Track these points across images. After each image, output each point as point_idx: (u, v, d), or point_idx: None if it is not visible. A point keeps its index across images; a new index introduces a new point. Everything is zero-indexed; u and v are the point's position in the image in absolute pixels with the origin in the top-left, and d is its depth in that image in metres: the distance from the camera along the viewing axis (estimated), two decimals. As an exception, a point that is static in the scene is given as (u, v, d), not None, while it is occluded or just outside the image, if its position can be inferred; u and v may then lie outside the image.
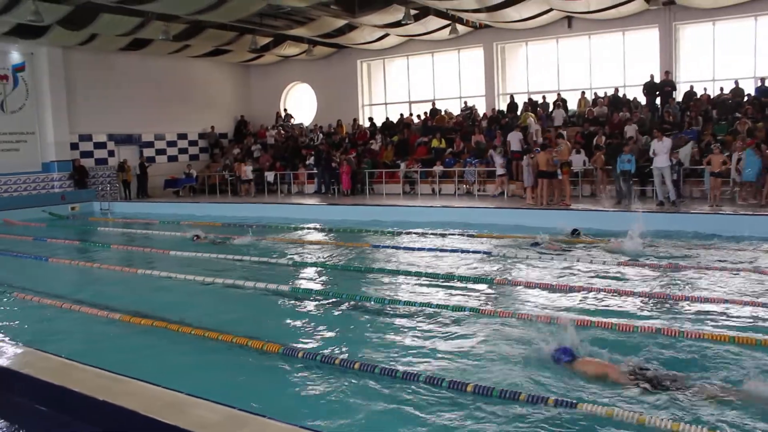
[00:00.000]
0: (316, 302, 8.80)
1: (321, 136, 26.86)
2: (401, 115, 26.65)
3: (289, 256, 12.52)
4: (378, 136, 25.23)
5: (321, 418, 4.97)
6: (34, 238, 16.34)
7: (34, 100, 23.62)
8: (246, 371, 6.16)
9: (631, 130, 19.09)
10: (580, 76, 23.79)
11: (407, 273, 10.31)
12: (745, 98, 19.49)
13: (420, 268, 10.70)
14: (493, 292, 8.93)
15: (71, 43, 22.77)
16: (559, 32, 23.38)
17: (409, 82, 27.97)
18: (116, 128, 25.88)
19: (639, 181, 17.33)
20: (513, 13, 21.32)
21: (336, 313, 8.20)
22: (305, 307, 8.57)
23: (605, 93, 22.42)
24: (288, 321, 8.02)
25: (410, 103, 27.72)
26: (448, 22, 22.40)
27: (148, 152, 27.04)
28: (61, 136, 24.08)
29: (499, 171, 19.17)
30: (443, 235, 14.32)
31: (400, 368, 5.77)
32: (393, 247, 13.10)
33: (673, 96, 20.49)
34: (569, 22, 22.87)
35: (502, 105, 24.81)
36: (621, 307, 7.88)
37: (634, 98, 21.70)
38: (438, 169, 21.41)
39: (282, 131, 28.92)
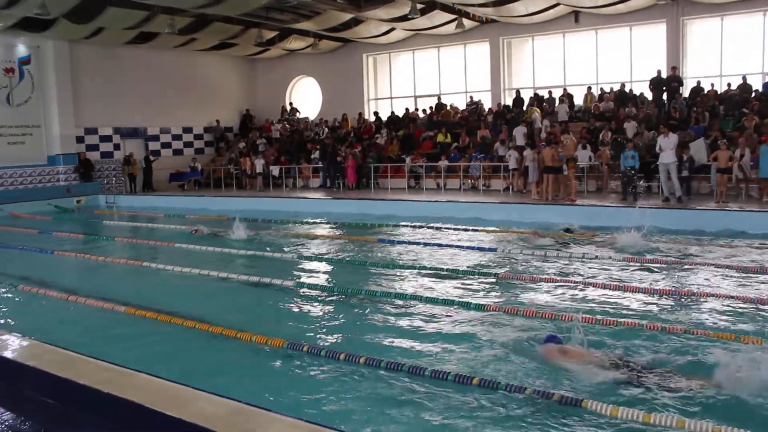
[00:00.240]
0: (321, 296, 8.81)
1: (326, 130, 26.84)
2: (407, 109, 26.61)
3: (294, 250, 12.53)
4: (383, 131, 25.20)
5: (325, 412, 4.98)
6: (40, 231, 16.37)
7: (40, 93, 23.65)
8: (250, 365, 6.16)
9: (630, 126, 19.06)
10: (587, 71, 23.69)
11: (412, 267, 10.32)
12: (753, 94, 19.38)
13: (425, 262, 10.71)
14: (498, 286, 8.92)
15: (77, 37, 22.77)
16: (566, 27, 23.28)
17: (415, 76, 27.90)
18: (122, 121, 25.91)
19: (645, 177, 17.27)
20: (520, 7, 21.25)
21: (341, 307, 8.20)
22: (310, 301, 8.58)
23: (611, 88, 22.33)
24: (293, 315, 8.03)
25: (416, 97, 27.67)
26: (454, 16, 22.34)
27: (154, 146, 27.06)
28: (66, 129, 24.11)
29: (513, 165, 18.98)
30: (448, 230, 14.30)
31: (406, 362, 5.76)
32: (398, 242, 13.08)
33: (680, 92, 20.39)
34: (576, 16, 22.77)
35: (508, 100, 24.73)
36: (610, 301, 7.97)
37: (641, 94, 21.61)
38: (443, 163, 21.37)
39: (287, 125, 28.91)
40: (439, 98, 26.16)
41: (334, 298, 8.69)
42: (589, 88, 22.88)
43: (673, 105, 19.76)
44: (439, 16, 22.49)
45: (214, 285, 9.84)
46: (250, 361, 6.25)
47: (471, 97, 25.60)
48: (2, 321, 7.94)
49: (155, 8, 20.09)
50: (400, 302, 8.16)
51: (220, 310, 8.23)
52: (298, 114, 30.12)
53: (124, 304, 8.33)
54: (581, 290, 8.48)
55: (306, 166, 24.90)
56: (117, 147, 25.92)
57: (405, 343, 6.56)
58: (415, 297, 8.29)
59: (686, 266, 9.80)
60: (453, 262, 10.74)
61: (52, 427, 4.04)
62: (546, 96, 23.34)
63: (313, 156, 24.78)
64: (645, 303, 7.85)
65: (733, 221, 13.07)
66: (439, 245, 12.39)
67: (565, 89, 23.31)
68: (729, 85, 20.26)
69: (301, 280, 9.81)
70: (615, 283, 8.72)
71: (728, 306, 7.56)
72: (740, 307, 7.47)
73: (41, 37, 22.47)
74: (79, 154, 24.45)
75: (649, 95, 21.22)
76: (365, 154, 23.36)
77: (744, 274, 9.09)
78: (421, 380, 5.44)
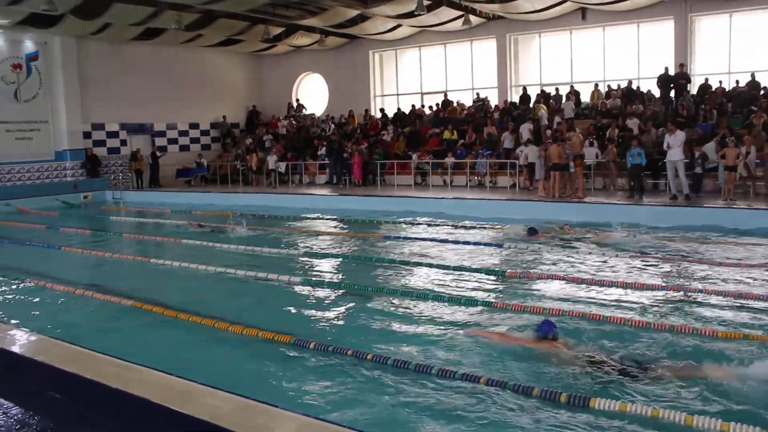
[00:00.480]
0: (328, 293, 8.81)
1: (333, 126, 26.82)
2: (413, 106, 26.58)
3: (300, 247, 12.54)
4: (390, 127, 25.18)
5: (332, 408, 4.97)
6: (47, 227, 16.43)
7: (47, 89, 23.72)
8: (257, 361, 6.16)
9: (633, 123, 19.01)
10: (594, 68, 23.61)
11: (418, 264, 10.30)
12: (762, 91, 19.26)
13: (432, 259, 10.70)
14: (503, 284, 8.91)
15: (84, 33, 22.83)
16: (573, 24, 23.19)
17: (422, 73, 27.86)
18: (128, 117, 25.95)
19: (652, 175, 17.21)
20: (526, 4, 21.19)
21: (347, 303, 8.18)
22: (316, 298, 8.58)
23: (618, 85, 22.25)
24: (299, 311, 8.02)
25: (422, 94, 27.63)
26: (461, 12, 22.27)
27: (160, 142, 27.12)
28: (73, 125, 24.18)
29: (523, 161, 18.87)
30: (455, 227, 14.28)
31: (413, 360, 5.75)
32: (404, 238, 13.08)
33: (688, 89, 20.29)
34: (583, 13, 22.69)
35: (515, 97, 24.67)
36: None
37: (648, 91, 21.52)
38: (450, 160, 21.34)
39: (294, 121, 28.91)
40: (445, 95, 26.11)
41: (341, 294, 8.69)
42: (596, 85, 22.80)
43: (680, 102, 19.68)
44: (445, 13, 22.45)
45: (219, 281, 9.85)
46: (256, 357, 6.25)
47: (477, 94, 25.55)
48: (10, 316, 7.95)
49: (162, 4, 20.12)
50: (407, 299, 8.15)
51: (227, 306, 8.24)
52: (304, 110, 30.12)
53: (130, 299, 8.36)
54: (586, 288, 8.45)
55: (312, 163, 24.90)
56: (124, 143, 25.97)
57: (411, 340, 6.54)
58: (421, 294, 8.28)
59: (684, 263, 9.77)
60: (459, 258, 10.72)
61: (59, 422, 4.05)
62: (553, 93, 23.27)
63: (319, 152, 24.77)
64: (637, 300, 7.86)
65: (740, 219, 13.04)
66: (445, 241, 12.37)
67: (572, 86, 23.24)
68: (737, 82, 20.15)
69: (307, 276, 9.80)
70: (622, 281, 8.70)
71: (735, 304, 7.53)
72: (748, 306, 7.44)
73: (49, 33, 22.53)
74: (86, 150, 24.51)
75: (656, 92, 21.13)
76: (371, 150, 23.34)
77: (750, 271, 9.05)
78: (428, 378, 5.43)
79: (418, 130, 24.48)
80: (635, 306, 7.59)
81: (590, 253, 10.67)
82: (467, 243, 12.14)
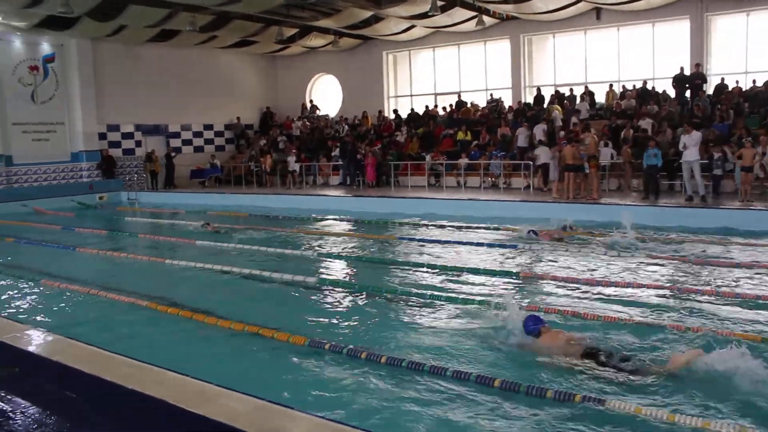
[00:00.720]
0: (342, 294, 8.81)
1: (346, 127, 26.86)
2: (427, 107, 26.55)
3: (314, 248, 12.56)
4: (403, 128, 25.17)
5: (346, 410, 4.96)
6: (63, 227, 16.56)
7: (63, 91, 23.93)
8: (272, 363, 6.17)
9: (645, 123, 18.88)
10: (608, 69, 23.48)
11: (432, 266, 10.28)
12: (779, 91, 19.10)
13: (446, 261, 10.67)
14: (519, 285, 8.88)
15: (100, 35, 23.00)
16: (588, 24, 23.08)
17: (435, 73, 27.82)
18: (143, 119, 26.12)
19: (667, 176, 17.08)
20: (540, 4, 21.11)
21: (361, 305, 8.19)
22: (331, 299, 8.59)
23: (634, 86, 22.11)
24: (313, 313, 8.01)
25: (436, 95, 27.58)
26: (474, 13, 22.21)
27: (175, 143, 27.27)
28: (89, 127, 24.37)
29: (540, 161, 18.81)
30: (468, 228, 14.25)
31: (427, 363, 5.74)
32: (418, 239, 13.06)
33: (704, 89, 20.13)
34: (598, 13, 22.57)
35: (529, 97, 24.59)
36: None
37: (663, 91, 21.38)
38: (463, 161, 21.29)
39: (307, 122, 28.97)
40: (459, 96, 26.07)
41: (355, 295, 8.69)
42: (611, 86, 22.67)
43: (696, 102, 19.52)
44: (459, 14, 22.39)
45: (234, 282, 9.89)
46: (271, 359, 6.26)
47: (491, 95, 25.49)
48: (27, 316, 8.02)
49: (176, 6, 20.22)
50: (421, 300, 8.14)
51: (241, 307, 8.26)
52: (318, 111, 30.18)
53: (145, 299, 8.40)
54: (599, 290, 8.41)
55: (326, 164, 24.93)
56: (138, 144, 26.14)
57: (426, 342, 6.53)
58: (435, 295, 8.26)
59: (697, 265, 9.69)
60: (473, 260, 10.70)
61: (75, 422, 4.07)
62: (567, 94, 23.17)
63: (333, 153, 24.81)
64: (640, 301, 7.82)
65: (755, 220, 12.93)
66: (459, 243, 12.34)
67: (586, 87, 23.13)
68: (754, 81, 19.94)
69: (322, 277, 9.82)
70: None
71: (746, 305, 7.47)
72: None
73: (65, 36, 22.72)
74: (102, 151, 24.70)
75: (671, 93, 20.98)
76: (385, 151, 23.34)
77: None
78: (443, 380, 5.42)
79: (432, 131, 24.45)
80: (637, 306, 7.58)
81: (593, 254, 10.58)
82: (481, 245, 12.11)
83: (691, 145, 15.29)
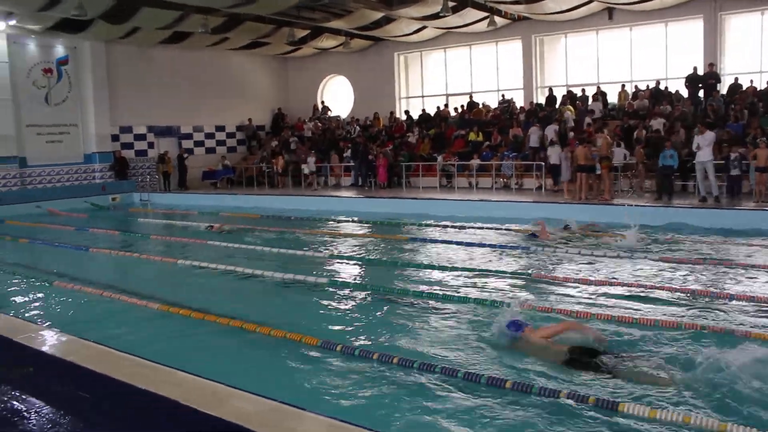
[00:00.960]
0: (354, 295, 8.80)
1: (358, 128, 26.88)
2: (438, 108, 26.53)
3: (326, 249, 12.56)
4: (415, 129, 25.16)
5: (359, 411, 4.96)
6: (77, 228, 16.66)
7: (77, 93, 24.11)
8: (284, 363, 6.17)
9: (656, 123, 18.77)
10: (621, 69, 23.36)
11: (444, 266, 10.25)
12: (794, 91, 18.94)
13: (457, 262, 10.64)
14: (530, 286, 8.84)
15: (113, 37, 23.15)
16: (600, 24, 22.99)
17: (447, 74, 27.80)
18: (156, 120, 26.27)
19: (680, 176, 16.97)
20: (552, 4, 21.04)
21: (373, 306, 8.18)
22: (342, 300, 8.58)
23: (647, 86, 21.99)
24: (326, 314, 8.01)
25: (447, 95, 27.55)
26: (486, 14, 22.17)
27: (187, 144, 27.39)
28: (102, 128, 24.54)
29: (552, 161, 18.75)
30: (480, 229, 14.21)
31: (439, 364, 5.72)
32: (430, 240, 13.04)
33: (717, 89, 19.99)
34: (610, 13, 22.47)
35: (541, 98, 24.51)
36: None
37: (676, 91, 21.24)
38: (475, 162, 21.25)
39: (319, 124, 29.02)
40: (470, 96, 26.04)
41: (367, 297, 8.68)
42: (623, 86, 22.56)
43: (709, 102, 19.39)
44: (470, 14, 22.35)
45: (246, 282, 9.90)
46: (284, 359, 6.26)
47: (503, 96, 25.44)
48: (41, 316, 8.07)
49: (188, 8, 20.30)
50: (432, 302, 8.12)
51: (253, 308, 8.28)
52: (329, 112, 30.23)
53: (157, 300, 8.43)
54: (607, 292, 8.36)
55: (338, 165, 24.96)
56: (151, 145, 26.29)
57: (437, 344, 6.51)
58: (446, 296, 8.23)
59: (712, 267, 9.62)
60: (485, 261, 10.67)
61: (89, 423, 4.09)
62: (579, 94, 23.07)
63: (344, 154, 24.83)
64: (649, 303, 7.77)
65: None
66: (471, 244, 12.31)
67: (598, 87, 23.03)
68: (769, 81, 19.82)
69: (333, 278, 9.81)
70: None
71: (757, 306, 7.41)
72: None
73: (78, 38, 22.89)
74: (115, 153, 24.86)
75: (684, 93, 20.85)
76: (397, 152, 23.34)
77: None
78: (454, 381, 5.40)
79: (443, 132, 24.42)
80: (645, 304, 7.57)
81: (593, 254, 10.55)
82: (493, 246, 12.07)
83: (704, 145, 15.19)
